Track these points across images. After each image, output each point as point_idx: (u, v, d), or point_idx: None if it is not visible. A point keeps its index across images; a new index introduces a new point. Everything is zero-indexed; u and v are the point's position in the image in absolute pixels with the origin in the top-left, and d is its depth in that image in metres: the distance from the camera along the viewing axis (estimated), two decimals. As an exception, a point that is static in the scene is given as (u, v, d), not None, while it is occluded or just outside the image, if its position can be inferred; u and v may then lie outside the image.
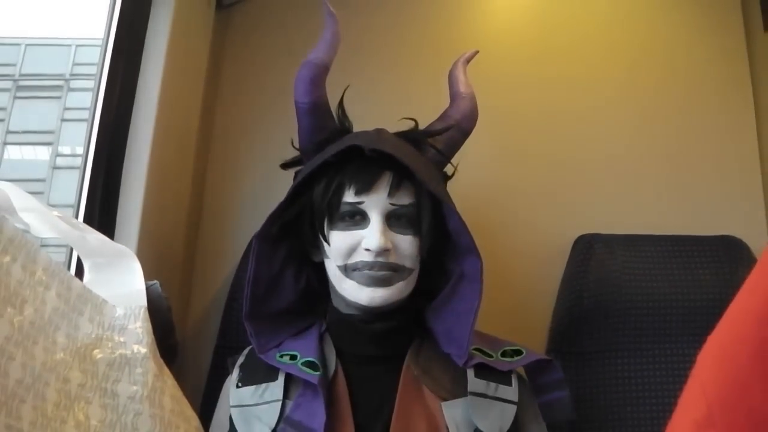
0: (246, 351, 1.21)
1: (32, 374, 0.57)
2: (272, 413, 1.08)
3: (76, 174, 1.39)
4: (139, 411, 0.65)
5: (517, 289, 1.69)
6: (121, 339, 0.68)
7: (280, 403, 1.08)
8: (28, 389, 0.56)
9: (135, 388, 0.66)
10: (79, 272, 0.82)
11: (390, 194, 1.13)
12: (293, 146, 1.28)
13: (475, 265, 1.11)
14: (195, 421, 0.73)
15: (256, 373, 1.14)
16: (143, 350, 0.68)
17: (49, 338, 0.60)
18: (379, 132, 1.21)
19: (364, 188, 1.13)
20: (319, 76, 1.22)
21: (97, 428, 0.62)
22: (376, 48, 1.84)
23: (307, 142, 1.24)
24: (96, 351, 0.65)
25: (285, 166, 1.29)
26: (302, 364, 1.11)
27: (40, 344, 0.59)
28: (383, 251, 1.11)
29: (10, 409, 0.54)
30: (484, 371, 1.12)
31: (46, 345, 0.60)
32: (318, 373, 1.09)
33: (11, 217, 0.66)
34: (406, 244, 1.13)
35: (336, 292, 1.19)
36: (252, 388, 1.12)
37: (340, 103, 1.26)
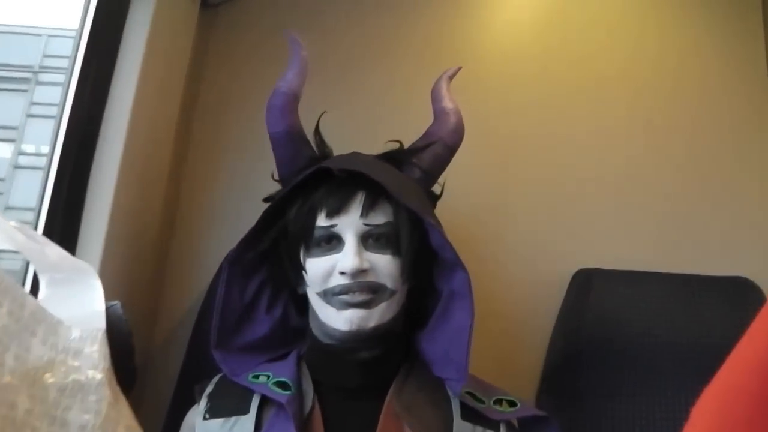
0: (215, 379, 1.21)
1: (-25, 398, 0.56)
2: None
3: (40, 175, 1.38)
4: (91, 442, 0.65)
5: (510, 324, 1.69)
6: (76, 363, 0.68)
7: None
8: (-30, 414, 0.56)
9: (87, 416, 0.66)
10: (34, 289, 0.82)
11: (363, 214, 1.15)
12: (273, 179, 1.30)
13: (462, 279, 1.12)
14: (151, 455, 0.73)
15: (226, 405, 1.14)
16: (99, 376, 0.68)
17: (-3, 359, 0.60)
18: (355, 154, 1.24)
19: (335, 210, 1.15)
20: (289, 104, 1.25)
21: (44, 460, 0.62)
22: (353, 70, 1.84)
23: (286, 172, 1.27)
24: (47, 375, 0.65)
25: (268, 200, 1.30)
26: (273, 383, 1.12)
27: (-14, 366, 0.59)
28: (359, 272, 1.12)
29: (-51, 435, 0.53)
30: (472, 414, 1.13)
31: (-8, 367, 0.59)
32: (288, 392, 1.09)
33: (-36, 226, 0.66)
34: (385, 262, 1.14)
35: (318, 321, 1.19)
36: (220, 420, 1.12)
37: (317, 129, 1.29)
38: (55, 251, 0.78)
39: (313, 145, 1.28)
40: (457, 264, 1.12)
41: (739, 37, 1.94)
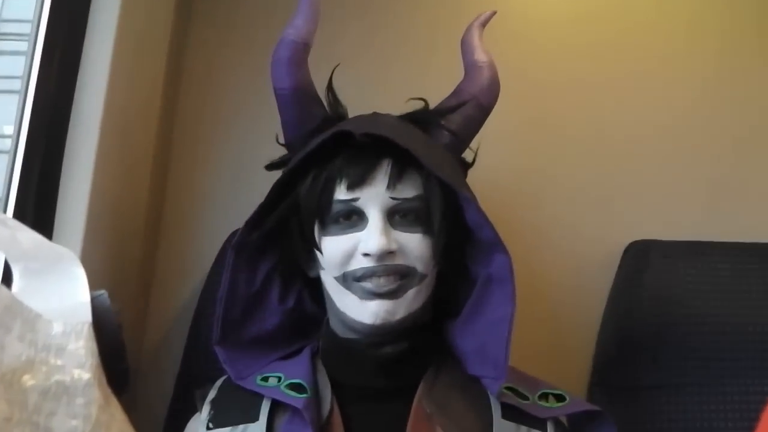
0: (219, 383, 1.20)
1: (-54, 404, 0.56)
2: None
3: (2, 159, 1.37)
4: (80, 452, 0.65)
5: (554, 307, 1.69)
6: (59, 362, 0.67)
7: None
8: (-61, 424, 0.56)
9: (75, 422, 0.65)
10: (7, 279, 0.82)
11: (389, 186, 1.11)
12: (278, 142, 1.27)
13: (503, 263, 1.10)
14: (149, 464, 0.73)
15: (232, 412, 1.14)
16: (86, 376, 0.67)
17: (-32, 360, 0.60)
18: (376, 115, 1.21)
19: (357, 181, 1.11)
20: (298, 55, 1.21)
21: (26, 474, 0.61)
22: (372, 16, 1.83)
23: (294, 135, 1.24)
24: (26, 377, 0.64)
25: (271, 167, 1.28)
26: (286, 386, 1.11)
27: (-44, 367, 0.59)
28: (386, 254, 1.09)
29: None
30: (514, 413, 1.11)
31: (-37, 369, 0.59)
32: (304, 396, 1.08)
33: None
34: (415, 243, 1.12)
35: (336, 311, 1.18)
36: (227, 429, 1.11)
37: (329, 85, 1.25)
38: (29, 236, 0.78)
39: (325, 103, 1.24)
40: (496, 245, 1.10)
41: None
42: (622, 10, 1.85)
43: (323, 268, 1.17)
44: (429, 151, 1.13)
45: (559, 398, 1.17)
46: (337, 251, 1.13)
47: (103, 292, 0.80)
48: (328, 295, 1.18)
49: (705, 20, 1.87)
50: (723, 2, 1.89)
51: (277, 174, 1.21)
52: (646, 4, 1.86)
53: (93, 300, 0.77)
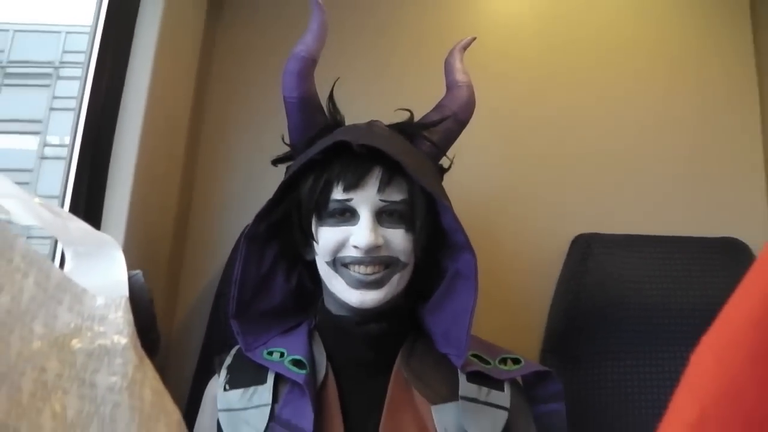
0: (233, 351, 1.20)
1: (7, 363, 0.56)
2: (261, 418, 1.07)
3: (61, 164, 1.38)
4: (118, 402, 0.65)
5: (513, 289, 1.68)
6: (101, 329, 0.67)
7: (269, 407, 1.07)
8: (3, 379, 0.56)
9: (114, 379, 0.66)
10: (62, 263, 0.82)
11: (380, 190, 1.11)
12: (284, 142, 1.27)
13: (469, 262, 1.10)
14: (176, 414, 0.73)
15: (244, 376, 1.14)
16: (123, 340, 0.68)
17: (26, 327, 0.60)
18: (371, 125, 1.19)
19: (352, 185, 1.10)
20: (306, 69, 1.20)
21: (74, 419, 0.61)
22: (368, 38, 1.83)
23: (298, 138, 1.23)
24: (74, 341, 0.65)
25: (276, 161, 1.28)
26: (289, 362, 1.11)
27: (17, 333, 0.59)
28: (373, 248, 1.09)
29: (-16, 398, 0.53)
30: (477, 376, 1.11)
31: (22, 334, 0.59)
32: (304, 371, 1.08)
33: (-12, 203, 0.66)
34: (399, 238, 1.12)
35: (328, 291, 1.18)
36: (240, 391, 1.11)
37: (331, 96, 1.24)
38: (78, 225, 0.78)
39: (326, 111, 1.24)
40: (466, 246, 1.10)
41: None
42: (575, 41, 1.86)
43: (317, 254, 1.17)
44: (415, 162, 1.12)
45: (516, 362, 1.17)
46: (331, 241, 1.12)
47: (138, 272, 0.80)
48: (321, 277, 1.18)
49: (655, 47, 1.88)
50: (677, 32, 1.90)
51: (284, 174, 1.22)
52: (600, 41, 1.87)
53: (130, 278, 0.77)
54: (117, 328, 0.68)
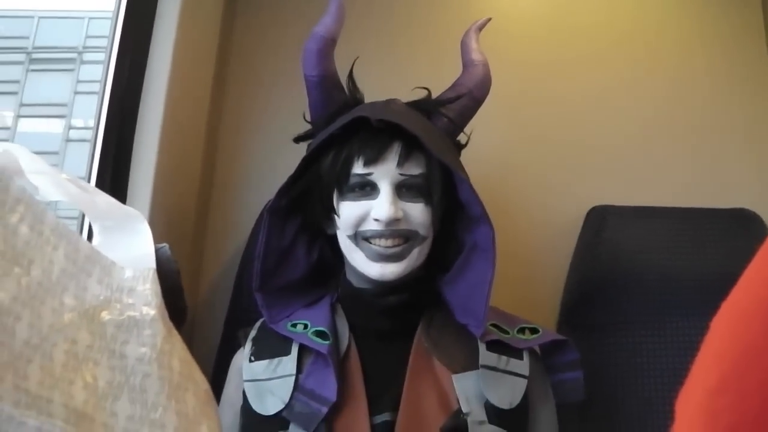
0: (258, 324, 1.21)
1: (39, 335, 0.56)
2: (286, 387, 1.07)
3: (86, 146, 1.39)
4: (148, 372, 0.65)
5: (529, 261, 1.68)
6: (130, 301, 0.67)
7: (293, 377, 1.08)
8: (36, 350, 0.55)
9: (143, 349, 0.65)
10: (90, 238, 0.82)
11: (399, 164, 1.11)
12: (305, 120, 1.26)
13: (487, 234, 1.09)
14: (204, 384, 0.73)
15: (269, 347, 1.14)
16: (152, 312, 0.67)
17: (57, 299, 0.60)
18: (389, 102, 1.19)
19: (372, 159, 1.11)
20: (326, 48, 1.20)
21: (105, 389, 0.61)
22: (387, 18, 1.82)
23: (318, 115, 1.23)
24: (104, 312, 0.65)
25: (297, 139, 1.28)
26: (312, 333, 1.11)
27: (48, 305, 0.58)
28: (393, 221, 1.10)
29: (17, 369, 0.53)
30: (497, 345, 1.12)
31: (53, 306, 0.59)
32: (328, 342, 1.09)
33: (20, 179, 0.66)
34: (417, 211, 1.12)
35: (349, 264, 1.18)
36: (265, 362, 1.12)
37: (350, 75, 1.24)
38: (105, 200, 0.78)
39: (346, 89, 1.23)
40: (483, 218, 1.10)
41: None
42: (592, 23, 1.85)
43: (339, 228, 1.17)
44: (432, 137, 1.12)
45: (533, 331, 1.17)
46: (352, 215, 1.13)
47: (164, 245, 0.80)
48: (342, 251, 1.18)
49: (668, 23, 1.87)
50: (690, 7, 1.89)
51: (303, 150, 1.22)
52: (614, 20, 1.86)
53: (157, 251, 0.76)
54: (145, 299, 0.68)
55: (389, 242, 1.11)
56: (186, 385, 0.69)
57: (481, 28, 1.32)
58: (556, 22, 1.85)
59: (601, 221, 1.58)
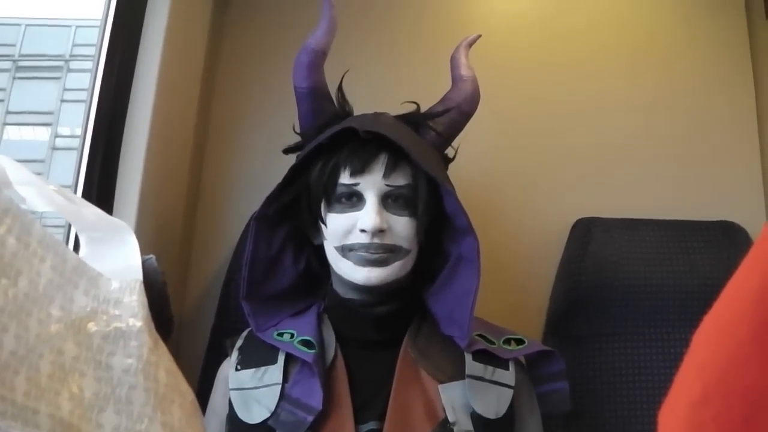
0: (245, 333, 1.22)
1: (26, 346, 0.56)
2: (272, 396, 1.08)
3: (73, 154, 1.39)
4: (134, 384, 0.65)
5: (515, 272, 1.69)
6: (117, 312, 0.67)
7: (279, 386, 1.09)
8: (22, 361, 0.55)
9: (130, 361, 0.65)
10: (77, 248, 0.82)
11: (385, 175, 1.12)
12: (294, 131, 1.27)
13: (472, 245, 1.11)
14: (190, 395, 0.73)
15: (256, 356, 1.15)
16: (138, 323, 0.67)
17: (44, 310, 0.60)
18: (378, 115, 1.20)
19: (359, 169, 1.12)
20: (316, 61, 1.21)
21: (91, 400, 0.61)
22: (377, 32, 1.83)
23: (308, 127, 1.24)
24: (91, 324, 0.65)
25: (287, 151, 1.29)
26: (299, 342, 1.12)
27: (35, 316, 0.58)
28: (378, 232, 1.11)
29: (4, 380, 0.53)
30: (483, 355, 1.12)
31: (40, 317, 0.59)
32: (314, 351, 1.09)
33: (8, 190, 0.66)
34: (402, 225, 1.13)
35: (335, 273, 1.19)
36: (251, 371, 1.13)
37: (340, 87, 1.25)
38: (92, 211, 0.78)
39: (335, 102, 1.25)
40: (468, 230, 1.11)
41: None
42: (577, 35, 1.86)
43: (326, 239, 1.18)
44: (419, 148, 1.13)
45: (519, 342, 1.18)
46: (340, 226, 1.14)
47: (151, 257, 0.80)
48: (329, 261, 1.19)
49: (652, 35, 1.88)
50: (673, 19, 1.90)
51: (292, 160, 1.22)
52: (599, 32, 1.87)
53: (143, 262, 0.77)
54: (132, 311, 0.68)
55: (374, 253, 1.12)
56: (172, 396, 0.69)
57: (470, 45, 1.33)
58: (542, 34, 1.86)
59: (586, 233, 1.59)
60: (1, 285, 0.56)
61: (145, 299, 0.71)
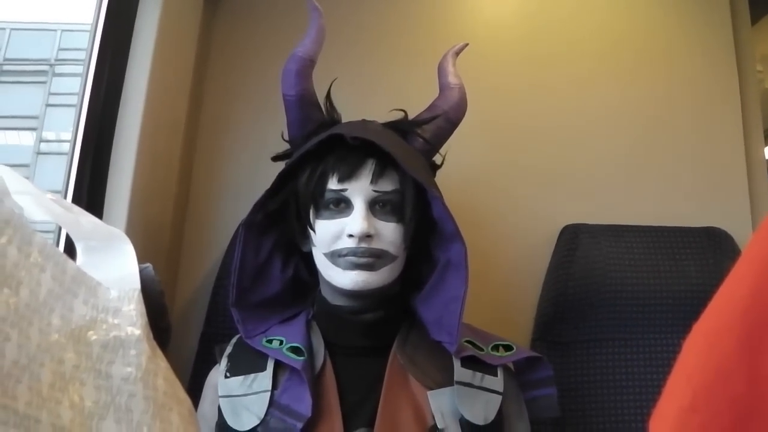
0: (234, 340, 1.22)
1: (28, 355, 0.57)
2: (261, 403, 1.09)
3: (61, 160, 1.39)
4: (133, 392, 0.65)
5: (503, 279, 1.70)
6: (115, 321, 0.68)
7: (268, 393, 1.09)
8: (24, 370, 0.56)
9: (129, 369, 0.66)
10: (70, 255, 0.82)
11: (373, 181, 1.14)
12: (283, 139, 1.28)
13: (459, 251, 1.12)
14: (187, 403, 0.73)
15: (245, 363, 1.15)
16: (137, 332, 0.68)
17: (44, 320, 0.60)
18: (366, 122, 1.22)
19: (346, 175, 1.13)
20: (305, 69, 1.22)
21: (92, 409, 0.62)
22: (365, 40, 1.83)
23: (296, 134, 1.25)
24: (90, 333, 0.65)
25: (276, 158, 1.29)
26: (287, 349, 1.13)
27: (36, 325, 0.59)
28: (366, 237, 1.12)
29: (6, 389, 0.54)
30: (471, 362, 1.14)
31: (41, 326, 0.60)
32: (302, 358, 1.10)
33: (6, 199, 0.66)
34: (389, 230, 1.14)
35: (324, 280, 1.20)
36: (240, 378, 1.13)
37: (328, 95, 1.26)
38: (89, 220, 0.78)
39: (323, 109, 1.26)
40: (456, 236, 1.12)
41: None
42: (563, 44, 1.87)
43: (315, 245, 1.19)
44: (406, 154, 1.15)
45: (508, 348, 1.19)
46: (328, 233, 1.15)
47: (148, 265, 0.81)
48: (318, 268, 1.20)
49: (639, 46, 1.89)
50: (660, 30, 1.92)
51: (281, 167, 1.23)
52: (585, 40, 1.88)
53: (141, 271, 0.77)
54: (131, 320, 0.69)
55: (361, 258, 1.13)
56: (170, 404, 0.70)
57: (458, 53, 1.35)
58: (530, 43, 1.87)
59: (573, 239, 1.60)
60: (2, 295, 0.56)
61: (143, 308, 0.71)
